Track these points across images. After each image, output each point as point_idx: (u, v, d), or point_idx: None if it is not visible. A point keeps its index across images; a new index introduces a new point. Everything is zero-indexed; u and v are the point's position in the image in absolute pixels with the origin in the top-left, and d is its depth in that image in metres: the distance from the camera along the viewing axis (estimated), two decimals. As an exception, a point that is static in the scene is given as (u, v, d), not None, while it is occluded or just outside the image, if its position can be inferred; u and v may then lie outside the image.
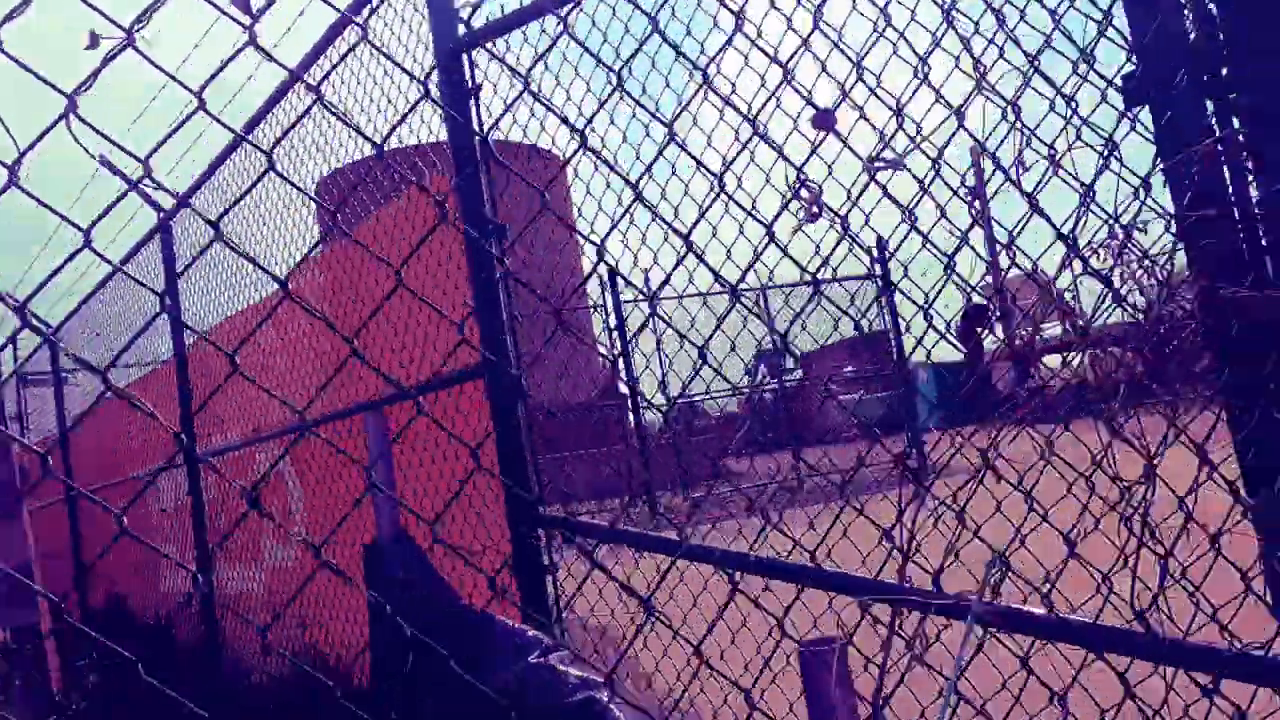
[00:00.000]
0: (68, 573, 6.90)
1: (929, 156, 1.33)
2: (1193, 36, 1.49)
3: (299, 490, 4.33)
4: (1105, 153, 1.33)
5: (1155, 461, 1.25)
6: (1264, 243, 1.45)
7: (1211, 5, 1.51)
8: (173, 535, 5.38)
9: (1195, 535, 1.61)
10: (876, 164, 1.33)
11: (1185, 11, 1.56)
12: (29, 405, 8.19)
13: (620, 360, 10.36)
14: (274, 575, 4.48)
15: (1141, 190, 1.31)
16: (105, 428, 6.79)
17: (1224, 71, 1.45)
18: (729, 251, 2.32)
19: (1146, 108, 1.65)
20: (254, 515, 4.58)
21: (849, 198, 1.29)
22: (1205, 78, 1.50)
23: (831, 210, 1.34)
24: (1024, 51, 1.51)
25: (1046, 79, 1.37)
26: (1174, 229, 1.52)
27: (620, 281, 10.91)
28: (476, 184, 2.89)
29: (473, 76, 2.95)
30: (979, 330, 1.83)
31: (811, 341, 14.81)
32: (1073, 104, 1.34)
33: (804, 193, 1.34)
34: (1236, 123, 1.47)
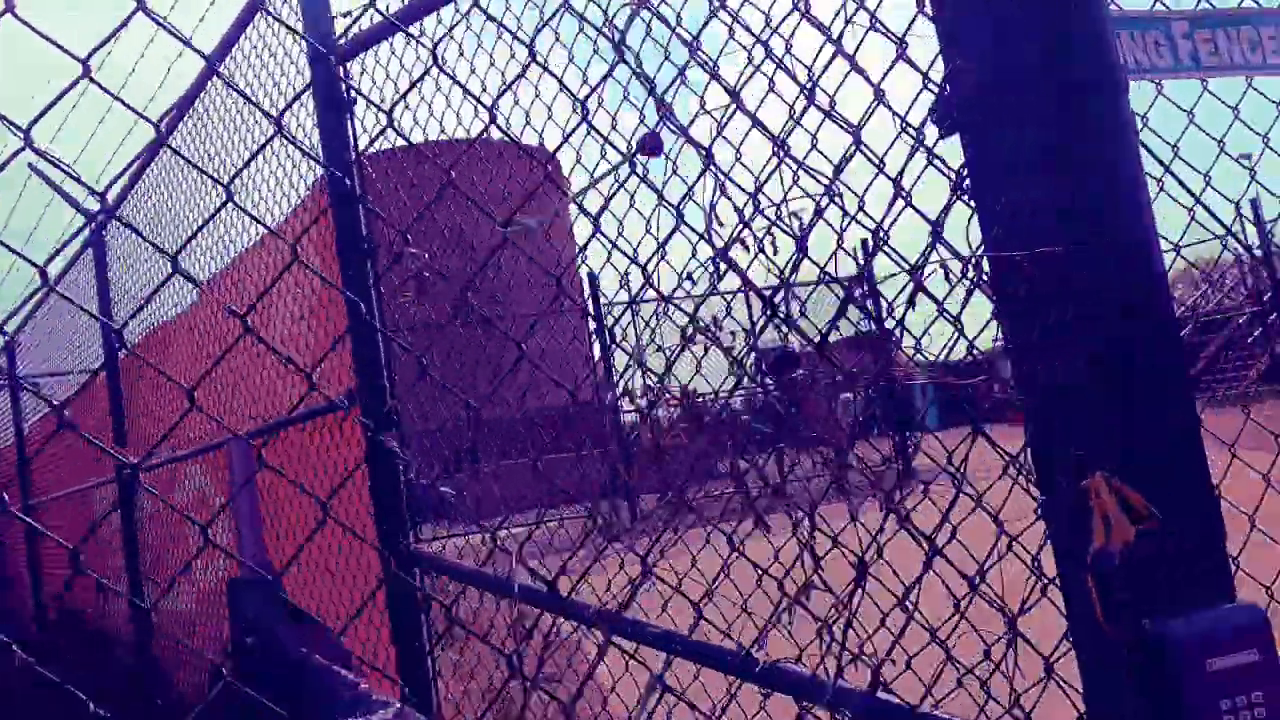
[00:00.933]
0: (23, 565, 6.91)
1: (589, 216, 1.20)
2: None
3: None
4: (822, 193, 1.17)
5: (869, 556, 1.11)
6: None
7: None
8: (111, 542, 5.33)
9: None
10: (512, 227, 1.20)
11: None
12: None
13: (602, 362, 10.24)
14: (199, 587, 4.41)
15: (872, 239, 1.16)
16: (66, 435, 6.75)
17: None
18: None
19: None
20: (182, 534, 4.51)
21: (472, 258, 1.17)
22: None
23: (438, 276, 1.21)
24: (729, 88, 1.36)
25: (750, 115, 1.23)
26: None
27: (610, 284, 10.80)
28: (352, 202, 2.77)
29: (348, 90, 2.83)
30: (786, 371, 1.71)
31: (806, 342, 14.60)
32: (784, 148, 1.19)
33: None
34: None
